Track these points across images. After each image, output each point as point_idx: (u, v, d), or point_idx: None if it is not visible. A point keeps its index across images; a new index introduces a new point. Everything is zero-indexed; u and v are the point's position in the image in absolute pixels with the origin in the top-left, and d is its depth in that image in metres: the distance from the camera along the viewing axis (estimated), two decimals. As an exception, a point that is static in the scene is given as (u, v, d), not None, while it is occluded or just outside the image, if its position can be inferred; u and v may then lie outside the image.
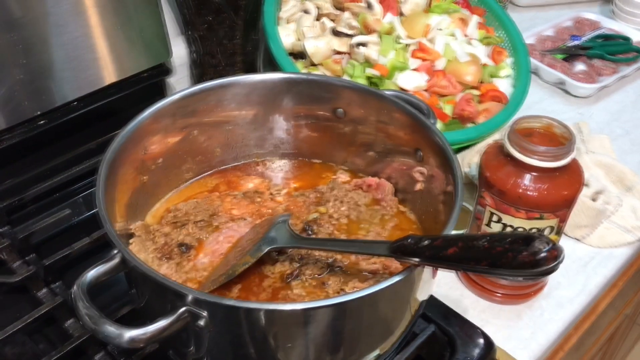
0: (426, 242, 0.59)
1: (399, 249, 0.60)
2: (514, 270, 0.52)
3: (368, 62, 1.05)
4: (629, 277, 1.05)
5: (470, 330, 0.80)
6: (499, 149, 0.79)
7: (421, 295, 0.67)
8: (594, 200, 0.97)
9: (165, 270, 0.72)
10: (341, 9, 1.14)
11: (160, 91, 1.13)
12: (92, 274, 0.60)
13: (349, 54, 1.07)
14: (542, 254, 0.51)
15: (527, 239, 0.52)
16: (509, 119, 1.04)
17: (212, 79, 0.81)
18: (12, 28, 0.86)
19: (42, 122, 0.96)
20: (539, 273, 0.51)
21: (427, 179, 0.78)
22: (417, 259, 0.59)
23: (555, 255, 0.51)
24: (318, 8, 1.12)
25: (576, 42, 1.39)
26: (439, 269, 0.68)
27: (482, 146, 1.02)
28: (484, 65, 1.12)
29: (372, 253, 0.68)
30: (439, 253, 0.57)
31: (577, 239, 0.97)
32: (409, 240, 0.60)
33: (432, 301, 0.83)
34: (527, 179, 0.76)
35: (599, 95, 1.30)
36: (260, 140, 0.89)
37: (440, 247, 0.57)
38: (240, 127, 0.86)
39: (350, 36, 1.07)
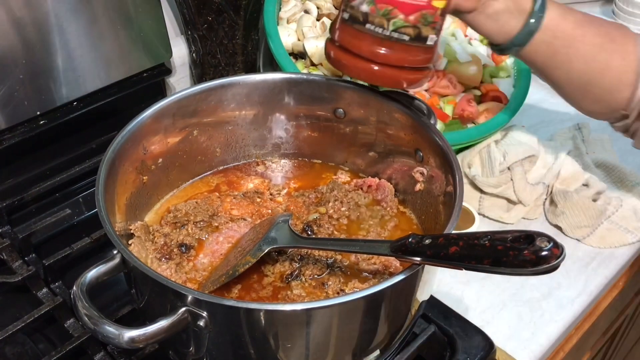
0: (427, 241, 0.58)
1: (401, 248, 0.60)
2: (516, 269, 0.52)
3: (368, 62, 1.05)
4: (629, 277, 1.05)
5: (470, 330, 0.80)
6: None
7: (421, 295, 0.67)
8: (594, 200, 0.97)
9: (165, 270, 0.72)
10: (342, 9, 1.14)
11: (160, 91, 1.13)
12: (92, 274, 0.60)
13: (349, 54, 1.07)
14: (544, 252, 0.51)
15: (528, 237, 0.52)
16: (510, 119, 1.04)
17: (212, 79, 0.81)
18: (12, 28, 0.86)
19: (42, 122, 0.96)
20: (542, 271, 0.51)
21: (428, 180, 0.78)
22: (418, 258, 0.59)
23: (557, 253, 0.51)
24: (319, 8, 1.12)
25: (577, 42, 1.39)
26: (440, 267, 0.68)
27: (482, 146, 1.02)
28: (485, 65, 1.12)
29: (374, 252, 0.68)
30: (441, 252, 0.57)
31: (578, 239, 0.97)
32: (410, 240, 0.60)
33: (432, 301, 0.83)
34: None
35: (599, 95, 1.29)
36: (260, 140, 0.89)
37: (441, 245, 0.57)
38: (240, 127, 0.86)
39: (350, 36, 1.06)
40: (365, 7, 0.71)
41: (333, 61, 0.78)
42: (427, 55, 0.76)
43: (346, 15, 0.74)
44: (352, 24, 0.73)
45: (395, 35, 0.72)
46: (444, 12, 0.73)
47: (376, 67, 0.74)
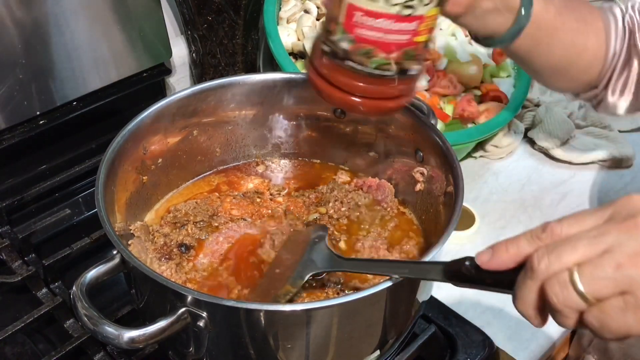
0: None
1: (456, 276, 0.54)
2: None
3: (368, 62, 1.05)
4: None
5: (470, 330, 0.80)
6: None
7: (421, 295, 0.67)
8: None
9: (165, 270, 0.72)
10: (342, 8, 1.14)
11: (160, 91, 1.13)
12: (91, 274, 0.60)
13: (349, 54, 1.07)
14: None
15: None
16: (510, 119, 1.04)
17: (212, 78, 0.81)
18: (12, 28, 0.86)
19: (42, 122, 0.96)
20: None
21: (428, 180, 0.78)
22: (478, 286, 0.53)
23: None
24: (319, 8, 1.12)
25: (577, 42, 1.39)
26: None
27: None
28: (485, 65, 1.12)
29: (425, 277, 0.60)
30: (504, 280, 0.50)
31: (546, 150, 1.08)
32: (466, 264, 0.52)
33: (433, 302, 0.83)
34: None
35: (600, 95, 1.30)
36: (260, 140, 0.89)
37: (504, 273, 0.50)
38: (240, 127, 0.86)
39: (350, 36, 1.06)
40: (345, 45, 0.67)
41: (313, 84, 0.73)
42: (409, 85, 0.72)
43: (327, 48, 0.69)
44: (332, 58, 0.69)
45: (377, 72, 0.67)
46: (426, 44, 0.70)
47: (356, 99, 0.70)
